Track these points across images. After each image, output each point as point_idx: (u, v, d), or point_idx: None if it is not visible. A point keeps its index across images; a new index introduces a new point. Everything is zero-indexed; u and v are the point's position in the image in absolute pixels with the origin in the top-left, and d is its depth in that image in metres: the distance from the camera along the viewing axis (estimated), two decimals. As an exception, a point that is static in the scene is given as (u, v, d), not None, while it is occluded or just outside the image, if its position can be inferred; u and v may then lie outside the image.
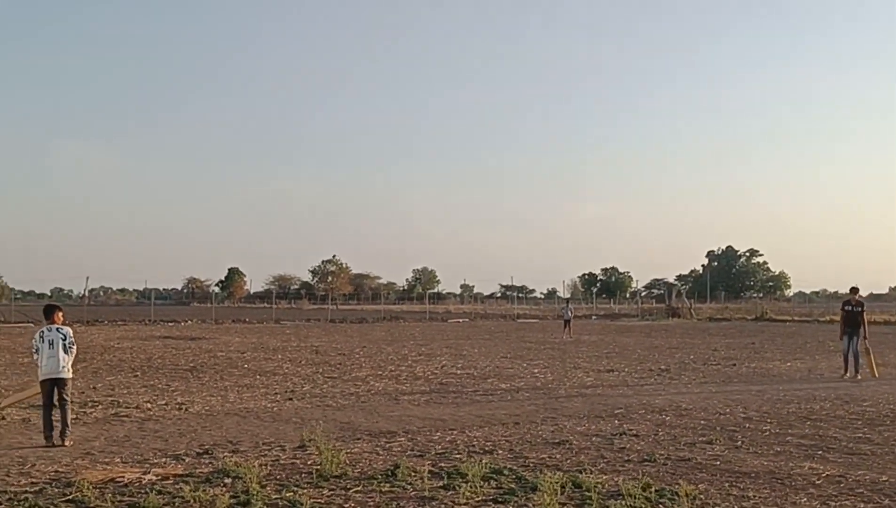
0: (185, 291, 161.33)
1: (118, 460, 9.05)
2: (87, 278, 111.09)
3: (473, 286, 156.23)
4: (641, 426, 11.41)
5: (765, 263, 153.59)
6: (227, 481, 7.87)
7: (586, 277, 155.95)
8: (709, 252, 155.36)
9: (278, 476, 8.14)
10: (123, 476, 8.10)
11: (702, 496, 7.33)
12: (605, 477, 8.04)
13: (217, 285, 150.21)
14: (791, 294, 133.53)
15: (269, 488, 7.57)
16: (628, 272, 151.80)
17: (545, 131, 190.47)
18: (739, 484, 7.80)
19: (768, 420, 11.93)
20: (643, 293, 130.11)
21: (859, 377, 18.01)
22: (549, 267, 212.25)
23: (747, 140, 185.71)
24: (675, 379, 18.16)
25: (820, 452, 9.51)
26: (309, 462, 8.79)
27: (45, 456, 9.21)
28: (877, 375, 18.06)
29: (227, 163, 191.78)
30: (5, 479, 8.06)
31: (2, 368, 20.42)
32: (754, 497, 7.32)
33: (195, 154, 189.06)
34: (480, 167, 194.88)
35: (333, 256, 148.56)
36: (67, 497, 7.25)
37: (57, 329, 10.27)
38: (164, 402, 14.02)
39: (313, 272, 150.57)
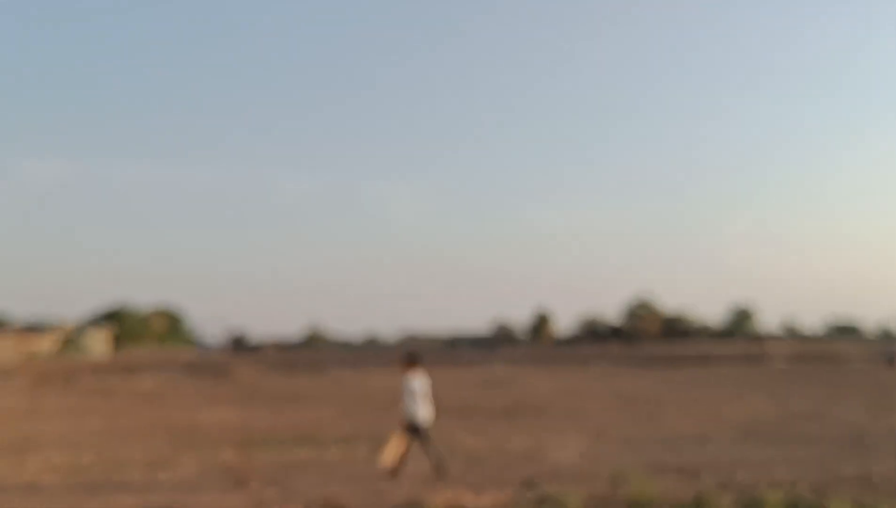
0: (493, 335, 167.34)
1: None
2: (399, 323, 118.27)
3: (797, 324, 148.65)
4: None
5: None
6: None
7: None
8: None
9: (595, 505, 9.19)
10: (463, 501, 9.54)
11: None
12: None
13: (526, 328, 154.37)
14: None
15: (586, 514, 8.65)
16: None
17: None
18: None
19: None
20: None
21: None
22: (885, 300, 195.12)
23: None
24: None
25: None
26: (621, 493, 9.78)
27: (391, 485, 10.90)
28: None
29: (532, 202, 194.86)
30: (364, 502, 9.77)
31: (339, 413, 23.03)
32: None
33: (497, 192, 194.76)
34: (803, 185, 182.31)
35: (644, 296, 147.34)
36: (420, 517, 8.76)
37: (422, 376, 12.15)
38: (484, 441, 15.55)
39: (623, 313, 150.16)
